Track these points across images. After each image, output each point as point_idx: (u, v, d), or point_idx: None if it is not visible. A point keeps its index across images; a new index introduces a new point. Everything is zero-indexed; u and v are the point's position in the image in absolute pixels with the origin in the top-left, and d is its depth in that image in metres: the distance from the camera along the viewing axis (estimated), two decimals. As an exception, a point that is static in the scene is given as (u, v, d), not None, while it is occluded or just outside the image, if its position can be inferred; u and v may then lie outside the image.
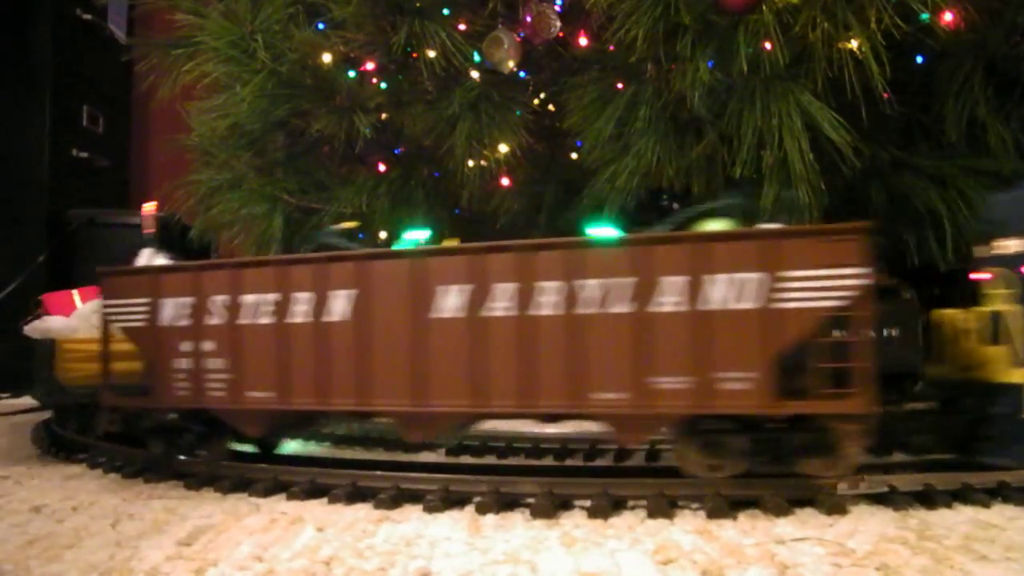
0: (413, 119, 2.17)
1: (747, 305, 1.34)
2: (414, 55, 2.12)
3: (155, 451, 1.81)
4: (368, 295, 1.56)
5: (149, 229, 2.13)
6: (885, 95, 1.67)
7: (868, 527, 1.25)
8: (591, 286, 1.42)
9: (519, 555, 1.15)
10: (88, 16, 4.39)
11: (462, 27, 2.07)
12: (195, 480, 1.68)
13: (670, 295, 1.37)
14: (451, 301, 1.50)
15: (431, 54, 2.02)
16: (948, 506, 1.37)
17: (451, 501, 1.46)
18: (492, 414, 1.58)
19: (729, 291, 1.35)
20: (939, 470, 1.46)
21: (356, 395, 1.56)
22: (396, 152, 2.45)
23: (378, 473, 1.58)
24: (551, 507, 1.38)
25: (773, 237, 1.35)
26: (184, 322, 1.71)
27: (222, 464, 1.72)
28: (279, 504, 1.52)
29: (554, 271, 1.44)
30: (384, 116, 2.25)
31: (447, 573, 1.09)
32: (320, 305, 1.59)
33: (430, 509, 1.42)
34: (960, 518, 1.30)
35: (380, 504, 1.46)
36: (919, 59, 1.85)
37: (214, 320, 1.68)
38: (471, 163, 2.14)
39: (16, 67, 4.12)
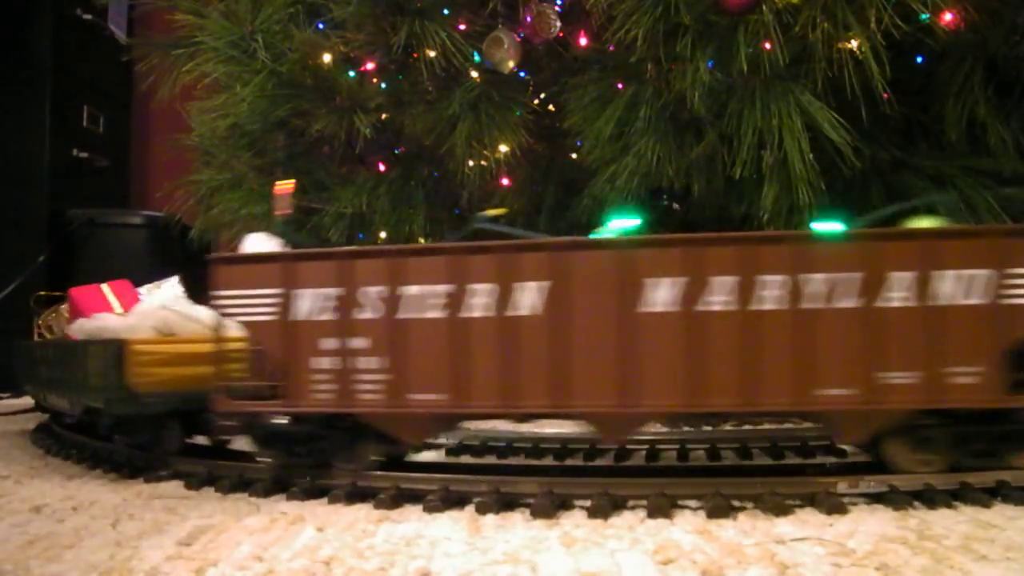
0: (413, 119, 2.17)
1: (976, 301, 1.35)
2: (414, 55, 2.12)
3: (273, 462, 1.62)
4: (564, 287, 1.45)
5: (284, 211, 1.86)
6: (885, 95, 1.67)
7: (868, 527, 1.25)
8: (817, 280, 1.39)
9: (519, 555, 1.15)
10: (88, 16, 4.40)
11: (462, 27, 2.07)
12: (195, 480, 1.68)
13: (899, 290, 1.37)
14: (662, 295, 1.42)
15: (431, 54, 2.02)
16: (948, 506, 1.36)
17: (451, 501, 1.46)
18: (710, 412, 1.52)
19: (958, 287, 1.36)
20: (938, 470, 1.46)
21: (550, 395, 1.45)
22: (396, 152, 2.45)
23: (378, 473, 1.57)
24: (551, 507, 1.38)
25: (1002, 235, 1.36)
26: (327, 316, 1.52)
27: (221, 464, 1.72)
28: (279, 504, 1.52)
29: (778, 265, 1.40)
30: (384, 116, 2.25)
31: (447, 573, 1.09)
32: (504, 298, 1.45)
33: (430, 509, 1.42)
34: (960, 518, 1.30)
35: (380, 504, 1.46)
36: (919, 59, 1.86)
37: (366, 314, 1.50)
38: (471, 163, 2.14)
39: (16, 67, 4.12)
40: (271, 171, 2.47)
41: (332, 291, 1.52)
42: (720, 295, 1.41)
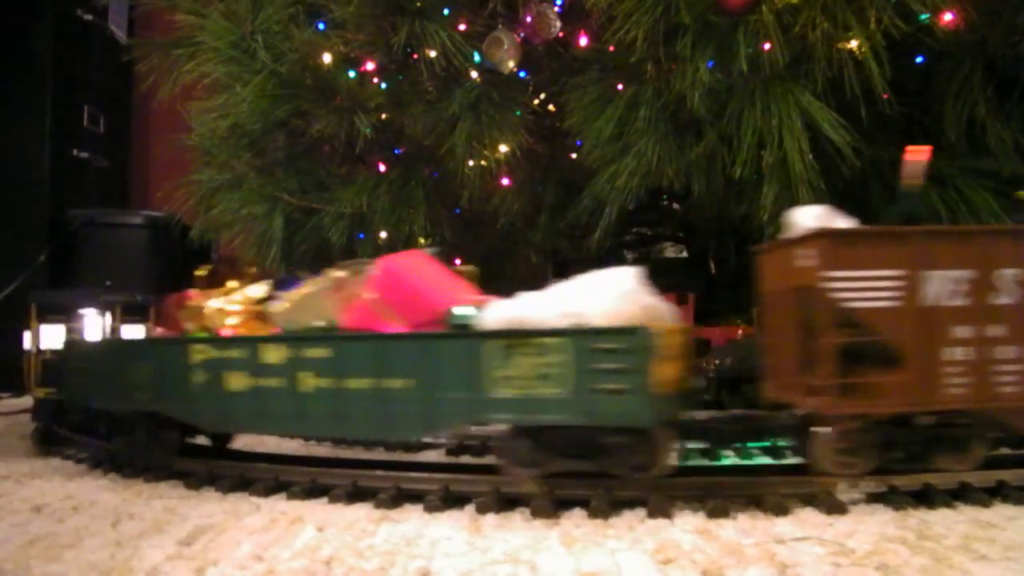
0: (413, 119, 2.17)
1: None
2: (414, 55, 2.12)
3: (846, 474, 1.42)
4: None
5: (914, 181, 1.63)
6: (885, 95, 1.67)
7: (868, 527, 1.25)
8: None
9: (519, 555, 1.15)
10: (88, 16, 4.40)
11: (462, 27, 2.07)
12: (195, 479, 1.68)
13: None
14: None
15: (431, 54, 2.02)
16: (948, 506, 1.37)
17: (451, 501, 1.46)
18: None
19: None
20: (939, 470, 1.46)
21: None
22: (396, 152, 2.45)
23: (378, 473, 1.58)
24: (551, 507, 1.38)
25: None
26: (958, 301, 1.41)
27: (221, 463, 1.72)
28: (279, 504, 1.52)
29: None
30: (384, 116, 2.25)
31: (447, 573, 1.09)
32: None
33: (430, 509, 1.43)
34: (960, 518, 1.31)
35: (380, 504, 1.46)
36: (919, 59, 1.86)
37: (1003, 299, 1.41)
38: (471, 163, 2.14)
39: (16, 67, 4.12)
40: (271, 171, 2.47)
41: (964, 273, 1.41)
42: None
